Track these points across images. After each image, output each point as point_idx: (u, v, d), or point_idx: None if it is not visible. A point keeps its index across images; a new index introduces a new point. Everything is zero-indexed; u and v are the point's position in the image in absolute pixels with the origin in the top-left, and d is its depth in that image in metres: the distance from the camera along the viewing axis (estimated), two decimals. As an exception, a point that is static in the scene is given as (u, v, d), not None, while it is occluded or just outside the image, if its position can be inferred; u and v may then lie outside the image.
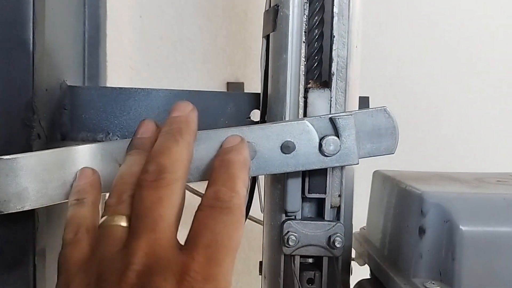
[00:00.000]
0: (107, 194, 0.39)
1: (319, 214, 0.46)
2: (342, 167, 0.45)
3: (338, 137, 0.40)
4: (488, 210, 0.41)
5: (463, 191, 0.45)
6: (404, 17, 0.87)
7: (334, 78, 0.44)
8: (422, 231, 0.42)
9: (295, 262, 0.44)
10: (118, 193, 0.33)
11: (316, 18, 0.45)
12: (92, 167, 0.38)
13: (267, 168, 0.40)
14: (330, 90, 0.44)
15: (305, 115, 0.44)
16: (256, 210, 0.54)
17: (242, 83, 0.82)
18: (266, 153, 0.40)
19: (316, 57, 0.45)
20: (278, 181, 0.45)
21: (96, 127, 0.48)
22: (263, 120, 0.48)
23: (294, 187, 0.44)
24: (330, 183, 0.44)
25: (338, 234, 0.44)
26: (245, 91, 0.82)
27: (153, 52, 0.80)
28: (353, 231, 0.49)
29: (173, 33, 0.80)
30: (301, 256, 0.45)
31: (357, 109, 0.45)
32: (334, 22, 0.44)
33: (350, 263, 0.48)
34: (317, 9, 0.45)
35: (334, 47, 0.44)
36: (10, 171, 0.36)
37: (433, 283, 0.40)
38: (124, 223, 0.32)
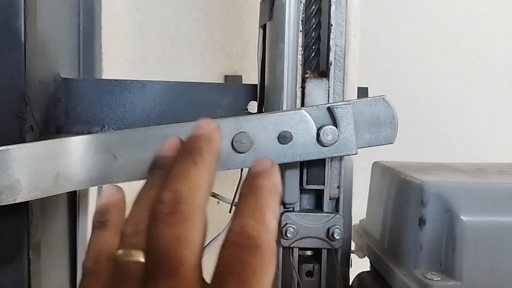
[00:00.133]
0: (104, 186, 0.38)
1: (318, 206, 0.45)
2: (340, 158, 0.44)
3: (336, 126, 0.40)
4: (489, 200, 0.41)
5: (464, 181, 0.44)
6: (403, 14, 0.86)
7: (332, 68, 0.43)
8: (422, 221, 0.41)
9: (293, 254, 0.44)
10: (135, 221, 0.31)
11: (314, 7, 0.44)
12: (86, 158, 0.37)
13: None
14: (328, 80, 0.43)
15: (302, 105, 0.43)
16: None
17: (240, 76, 0.81)
18: (263, 144, 0.39)
19: (313, 47, 0.45)
20: (276, 172, 0.44)
21: (91, 120, 0.48)
22: (260, 111, 0.47)
23: (292, 178, 0.43)
24: (329, 174, 0.44)
25: (337, 226, 0.43)
26: (243, 84, 0.82)
27: (150, 45, 0.79)
28: (353, 224, 0.49)
29: (170, 27, 0.80)
30: (300, 249, 0.44)
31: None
32: (331, 10, 0.43)
33: (349, 255, 0.47)
34: (314, -3, 0.44)
35: (331, 36, 0.43)
36: (1, 162, 0.36)
37: (434, 274, 0.40)
38: (141, 258, 0.29)
